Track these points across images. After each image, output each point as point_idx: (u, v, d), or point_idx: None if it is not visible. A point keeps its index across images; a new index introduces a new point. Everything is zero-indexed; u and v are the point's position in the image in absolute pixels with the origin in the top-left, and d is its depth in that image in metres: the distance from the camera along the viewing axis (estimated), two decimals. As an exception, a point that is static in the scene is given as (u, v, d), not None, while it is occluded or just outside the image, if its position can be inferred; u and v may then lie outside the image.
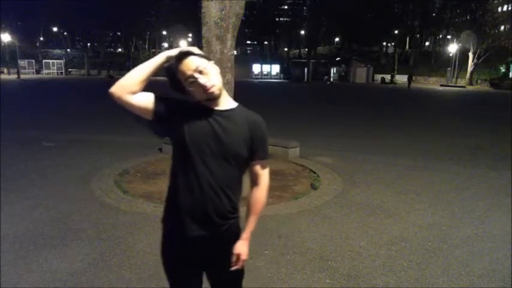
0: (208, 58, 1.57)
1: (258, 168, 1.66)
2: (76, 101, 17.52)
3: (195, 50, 1.56)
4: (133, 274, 2.95)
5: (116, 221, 3.96)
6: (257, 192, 1.69)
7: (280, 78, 43.82)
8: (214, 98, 1.54)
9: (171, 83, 1.56)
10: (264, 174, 1.68)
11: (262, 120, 1.65)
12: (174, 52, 1.56)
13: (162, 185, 5.22)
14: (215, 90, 1.51)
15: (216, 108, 1.57)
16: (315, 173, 5.90)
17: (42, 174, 5.59)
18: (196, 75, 1.49)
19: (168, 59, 1.56)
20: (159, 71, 1.57)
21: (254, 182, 1.69)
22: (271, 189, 4.89)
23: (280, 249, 3.43)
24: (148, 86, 1.56)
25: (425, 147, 8.39)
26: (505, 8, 43.02)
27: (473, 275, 3.06)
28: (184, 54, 1.52)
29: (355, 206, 4.57)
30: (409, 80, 34.82)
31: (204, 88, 1.50)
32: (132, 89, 1.50)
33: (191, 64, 1.50)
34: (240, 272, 1.72)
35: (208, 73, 1.51)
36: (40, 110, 13.83)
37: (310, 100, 20.64)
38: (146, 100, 1.53)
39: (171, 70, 1.54)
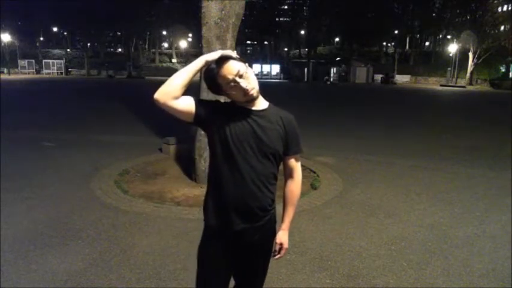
0: (244, 61, 1.62)
1: (292, 161, 1.78)
2: (76, 101, 17.51)
3: (234, 54, 1.62)
4: (133, 274, 2.96)
5: (116, 221, 3.96)
6: (292, 184, 1.82)
7: (280, 78, 43.75)
8: (253, 100, 1.64)
9: (210, 87, 1.65)
10: (297, 167, 1.81)
11: (293, 117, 1.77)
12: (212, 56, 1.61)
13: (162, 185, 5.22)
14: (254, 92, 1.61)
15: (253, 108, 1.66)
16: (315, 173, 5.90)
17: (42, 174, 5.60)
18: (238, 79, 1.57)
19: (207, 63, 1.61)
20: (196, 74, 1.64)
21: (289, 175, 1.82)
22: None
23: (280, 249, 3.43)
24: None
25: (425, 147, 8.38)
26: (505, 8, 42.98)
27: (473, 275, 3.06)
28: (225, 59, 1.58)
29: (355, 206, 4.58)
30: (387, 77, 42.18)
31: (245, 92, 1.58)
32: (175, 94, 1.56)
33: (232, 69, 1.57)
34: (265, 272, 1.92)
35: (248, 77, 1.59)
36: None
37: (310, 100, 20.61)
38: (188, 104, 1.60)
39: (211, 74, 1.60)
